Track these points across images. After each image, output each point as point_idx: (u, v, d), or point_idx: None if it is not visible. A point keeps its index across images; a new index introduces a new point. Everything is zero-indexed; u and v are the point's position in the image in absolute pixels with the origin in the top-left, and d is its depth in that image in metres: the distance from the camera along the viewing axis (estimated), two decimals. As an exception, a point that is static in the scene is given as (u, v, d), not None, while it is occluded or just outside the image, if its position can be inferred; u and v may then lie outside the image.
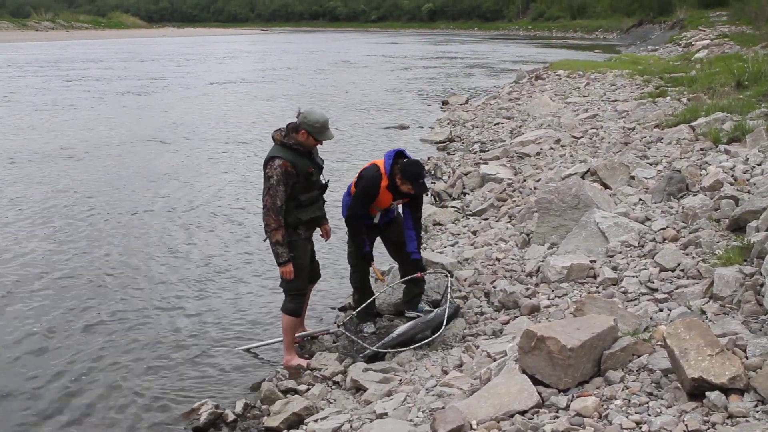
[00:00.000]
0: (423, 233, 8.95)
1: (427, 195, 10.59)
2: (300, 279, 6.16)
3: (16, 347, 6.73)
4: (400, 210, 6.79)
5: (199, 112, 22.88)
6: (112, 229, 10.43)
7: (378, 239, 6.94)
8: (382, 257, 7.43)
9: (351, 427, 4.80)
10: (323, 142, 6.07)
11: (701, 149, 9.01)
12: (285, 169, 5.84)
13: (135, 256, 9.23)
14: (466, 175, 12.01)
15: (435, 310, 6.48)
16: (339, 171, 13.39)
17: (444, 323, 6.25)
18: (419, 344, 6.17)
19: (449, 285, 6.82)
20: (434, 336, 6.19)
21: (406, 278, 6.76)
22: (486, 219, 9.59)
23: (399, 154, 6.48)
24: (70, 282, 8.39)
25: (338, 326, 6.67)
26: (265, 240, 6.20)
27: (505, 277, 6.96)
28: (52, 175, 13.89)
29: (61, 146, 16.92)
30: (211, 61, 47.75)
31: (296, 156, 5.94)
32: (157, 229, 10.39)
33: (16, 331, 7.06)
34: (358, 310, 6.70)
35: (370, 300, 6.75)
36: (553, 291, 6.18)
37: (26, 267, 8.81)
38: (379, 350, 6.20)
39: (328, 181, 6.38)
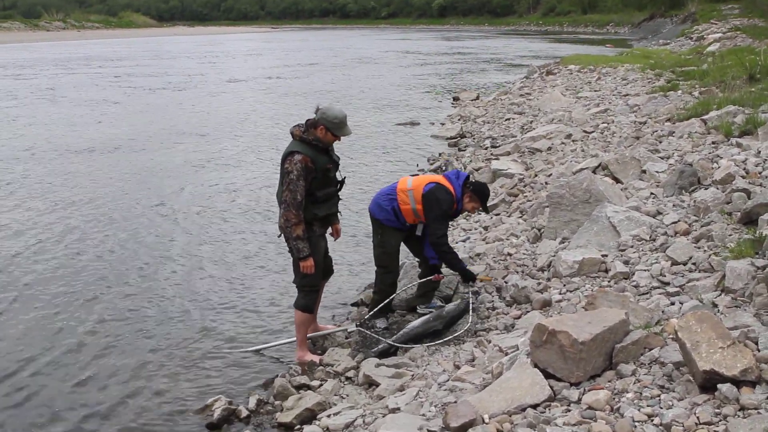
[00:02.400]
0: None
1: None
2: (314, 275, 6.18)
3: (31, 343, 6.80)
4: None
5: (229, 107, 23.39)
6: (129, 225, 10.52)
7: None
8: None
9: (364, 422, 4.83)
10: (341, 138, 6.10)
11: (713, 142, 8.97)
12: (305, 164, 5.86)
13: (150, 254, 9.29)
14: (477, 170, 12.02)
15: (448, 306, 6.50)
16: (350, 167, 13.41)
17: (470, 314, 6.31)
18: (450, 337, 6.17)
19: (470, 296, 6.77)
20: (464, 329, 6.20)
21: (423, 280, 6.82)
22: (497, 214, 9.58)
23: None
24: (84, 278, 8.46)
25: (357, 326, 6.67)
26: (279, 236, 6.23)
27: (517, 272, 6.96)
28: (77, 168, 14.26)
29: (92, 140, 17.48)
30: (239, 59, 48.37)
31: (315, 152, 5.96)
32: (173, 226, 10.46)
33: (32, 327, 7.14)
34: (375, 309, 6.71)
35: (387, 300, 6.75)
36: (564, 285, 6.17)
37: (39, 263, 8.90)
38: (399, 345, 6.21)
39: (345, 177, 6.40)
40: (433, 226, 6.49)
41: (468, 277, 6.72)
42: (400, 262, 7.68)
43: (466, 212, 6.85)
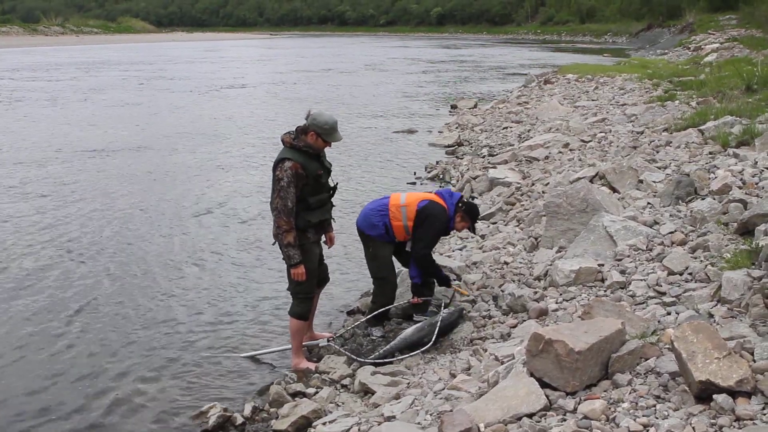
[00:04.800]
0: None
1: None
2: (308, 282, 6.17)
3: (25, 348, 6.78)
4: None
5: (240, 111, 23.88)
6: (124, 230, 10.49)
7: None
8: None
9: (359, 429, 4.81)
10: (332, 144, 6.10)
11: (710, 153, 9.00)
12: (295, 170, 5.85)
13: (145, 260, 9.26)
14: (474, 179, 12.03)
15: (440, 314, 6.49)
16: (347, 175, 13.43)
17: (434, 337, 6.25)
18: (412, 354, 6.17)
19: (441, 314, 6.61)
20: (424, 348, 6.19)
21: (403, 304, 6.87)
22: (494, 223, 9.59)
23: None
24: (80, 280, 8.46)
25: (327, 340, 6.65)
26: (273, 243, 6.23)
27: (514, 281, 6.96)
28: (101, 168, 14.48)
29: (115, 141, 18.02)
30: (248, 65, 48.76)
31: (306, 158, 5.95)
32: (169, 232, 10.45)
33: (26, 332, 7.12)
34: (366, 318, 6.74)
35: (378, 312, 6.73)
36: (561, 294, 6.17)
37: (35, 263, 8.90)
38: (370, 362, 6.18)
39: (337, 184, 6.40)
40: (422, 242, 6.51)
41: (445, 282, 6.78)
42: (396, 271, 7.69)
43: (462, 229, 6.88)
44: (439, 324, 6.30)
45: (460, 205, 6.66)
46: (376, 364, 6.11)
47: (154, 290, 8.29)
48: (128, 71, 40.90)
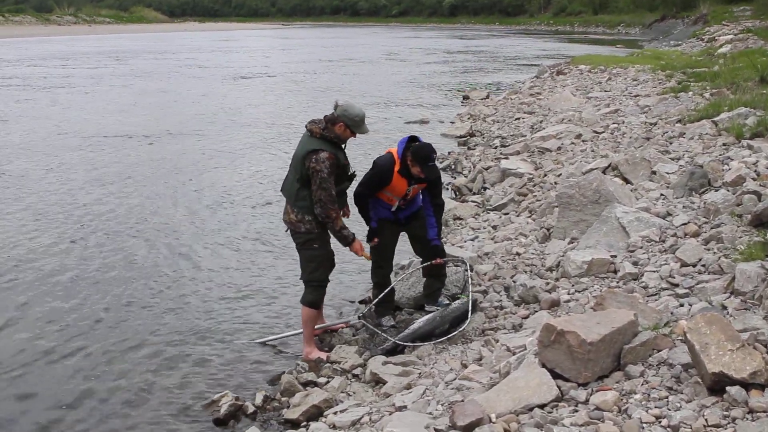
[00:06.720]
0: (444, 227, 8.95)
1: (446, 188, 10.59)
2: (323, 270, 6.24)
3: (36, 335, 6.83)
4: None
5: (261, 99, 24.42)
6: (136, 219, 10.53)
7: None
8: (399, 254, 7.43)
9: (370, 419, 4.82)
10: (357, 135, 6.16)
11: (724, 144, 8.93)
12: (332, 161, 5.95)
13: (156, 248, 9.29)
14: (486, 169, 12.00)
15: (453, 303, 6.49)
16: (357, 165, 13.38)
17: (469, 313, 6.28)
18: (443, 338, 6.17)
19: (468, 277, 6.84)
20: (460, 329, 6.19)
21: (426, 264, 6.78)
22: (506, 214, 9.58)
23: (412, 139, 6.51)
24: (89, 270, 8.49)
25: (359, 317, 6.70)
26: (286, 231, 6.35)
27: (525, 272, 6.95)
28: (117, 153, 15.15)
29: (127, 130, 18.14)
30: (271, 55, 48.99)
31: (335, 149, 6.07)
32: (180, 221, 10.48)
33: (39, 320, 7.15)
34: (375, 301, 6.75)
35: (387, 289, 6.75)
36: (573, 285, 6.16)
37: (43, 251, 8.98)
38: (399, 343, 6.20)
39: (354, 171, 6.43)
40: (361, 182, 6.56)
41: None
42: (408, 261, 7.70)
43: (418, 174, 6.38)
44: (470, 302, 6.38)
45: (408, 148, 6.39)
46: (404, 346, 6.18)
47: (165, 277, 8.32)
48: (158, 60, 41.71)
